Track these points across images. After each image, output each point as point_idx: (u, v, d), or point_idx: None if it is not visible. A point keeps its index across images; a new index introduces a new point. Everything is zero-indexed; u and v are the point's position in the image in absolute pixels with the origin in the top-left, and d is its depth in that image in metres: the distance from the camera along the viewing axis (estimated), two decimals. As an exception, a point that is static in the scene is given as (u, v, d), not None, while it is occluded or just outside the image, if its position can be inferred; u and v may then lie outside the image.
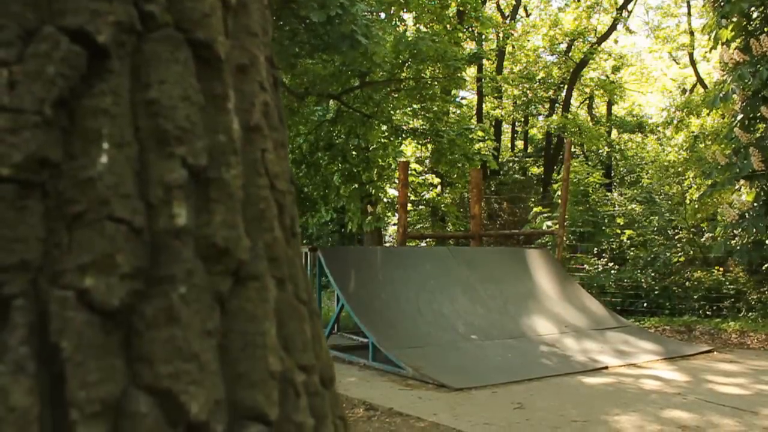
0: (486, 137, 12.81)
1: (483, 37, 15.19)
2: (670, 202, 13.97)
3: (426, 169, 17.81)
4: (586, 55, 20.51)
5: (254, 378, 0.60)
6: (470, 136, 11.54)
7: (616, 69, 22.91)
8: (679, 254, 10.93)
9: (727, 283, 9.63)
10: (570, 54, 21.29)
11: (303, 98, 10.20)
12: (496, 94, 21.66)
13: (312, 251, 8.01)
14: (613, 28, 21.30)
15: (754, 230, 8.64)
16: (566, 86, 21.33)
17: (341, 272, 7.02)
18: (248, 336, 0.61)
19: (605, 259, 11.86)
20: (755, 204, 9.01)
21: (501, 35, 19.82)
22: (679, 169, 14.47)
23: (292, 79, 9.87)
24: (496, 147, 15.87)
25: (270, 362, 0.61)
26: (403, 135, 12.47)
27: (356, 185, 12.37)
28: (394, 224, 14.26)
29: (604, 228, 12.67)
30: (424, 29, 11.62)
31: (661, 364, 6.34)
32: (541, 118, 23.08)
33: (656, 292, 9.95)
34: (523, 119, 23.77)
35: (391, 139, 12.49)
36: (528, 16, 23.66)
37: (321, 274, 7.25)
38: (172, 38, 0.65)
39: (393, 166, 12.95)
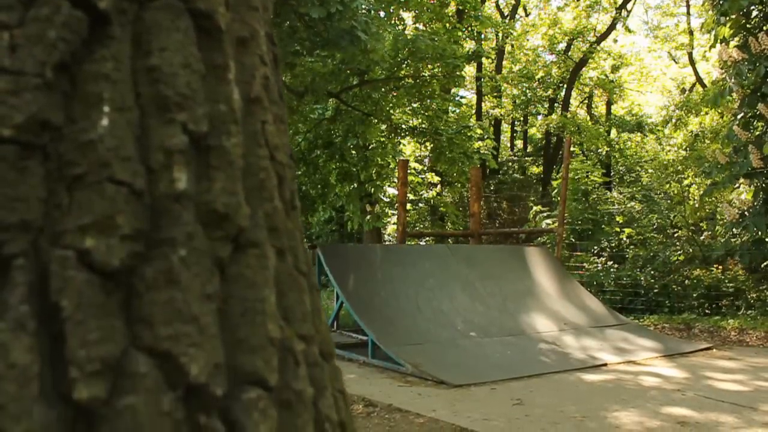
0: (486, 136, 12.82)
1: (482, 36, 15.21)
2: (669, 201, 13.98)
3: (425, 168, 17.82)
4: (586, 55, 20.53)
5: (254, 343, 0.60)
6: (469, 134, 11.55)
7: (615, 68, 22.94)
8: (679, 253, 10.94)
9: (727, 281, 9.63)
10: (569, 53, 21.31)
11: (302, 96, 10.20)
12: (495, 94, 21.68)
13: (311, 249, 8.02)
14: (612, 27, 21.32)
15: (755, 229, 8.64)
16: (565, 85, 21.35)
17: (340, 270, 7.02)
18: (248, 302, 0.61)
19: (604, 258, 11.86)
20: (755, 202, 9.02)
21: (500, 34, 19.84)
22: (679, 168, 14.48)
23: (292, 78, 9.88)
24: (496, 146, 15.89)
25: (269, 329, 0.62)
26: (402, 134, 12.48)
27: (355, 184, 12.38)
28: (394, 223, 14.27)
29: (603, 226, 12.68)
30: (423, 28, 11.63)
31: (660, 361, 6.34)
32: (540, 117, 23.09)
33: (655, 291, 9.95)
34: (522, 118, 23.79)
35: (390, 137, 12.49)
36: (527, 15, 23.68)
37: (320, 272, 7.26)
38: (173, 7, 0.65)
39: (392, 166, 12.96)
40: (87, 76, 0.58)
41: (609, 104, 23.81)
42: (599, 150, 21.30)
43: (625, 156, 22.37)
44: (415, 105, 12.40)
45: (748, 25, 9.30)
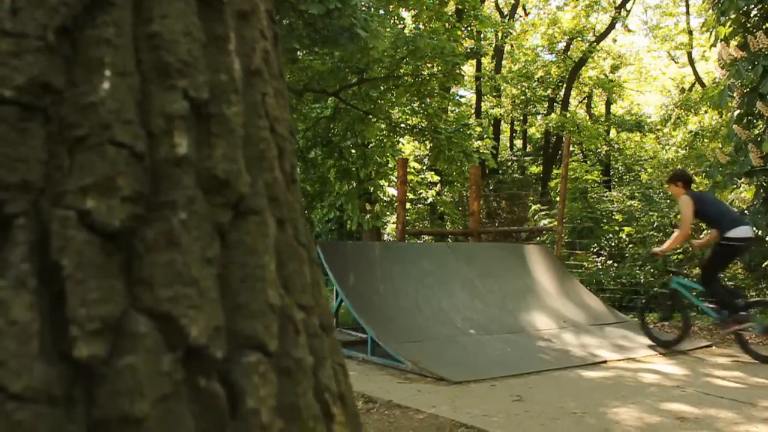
0: (485, 135, 12.83)
1: (482, 35, 15.22)
2: (668, 201, 13.98)
3: (425, 168, 17.83)
4: (585, 54, 20.54)
5: (254, 309, 0.60)
6: (468, 132, 11.55)
7: (614, 68, 22.95)
8: (678, 251, 10.94)
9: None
10: (568, 53, 21.32)
11: (301, 95, 10.20)
12: (494, 93, 21.69)
13: (311, 246, 8.01)
14: (611, 27, 21.33)
15: (754, 227, 8.64)
16: (565, 85, 21.36)
17: (340, 268, 7.01)
18: (248, 268, 0.62)
19: (604, 257, 11.87)
20: (755, 201, 9.02)
21: (500, 34, 19.85)
22: (678, 167, 14.48)
23: (291, 76, 9.88)
24: (495, 146, 15.89)
25: (269, 295, 0.62)
26: (401, 132, 12.48)
27: (354, 183, 12.38)
28: (393, 223, 14.27)
29: (602, 225, 12.68)
30: (423, 27, 11.64)
31: (659, 358, 6.34)
32: (539, 117, 23.10)
33: (655, 289, 9.95)
34: (521, 118, 23.80)
35: (390, 135, 12.50)
36: (527, 15, 23.69)
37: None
38: (174, -24, 0.65)
39: (391, 165, 12.95)
40: (88, 40, 0.58)
41: (608, 104, 23.81)
42: (598, 150, 21.31)
43: (625, 155, 22.38)
44: (414, 106, 12.41)
45: (747, 24, 9.30)
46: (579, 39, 21.13)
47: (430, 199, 16.96)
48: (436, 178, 17.79)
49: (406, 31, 11.01)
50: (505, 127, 24.90)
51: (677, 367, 5.84)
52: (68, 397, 0.49)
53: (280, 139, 0.73)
